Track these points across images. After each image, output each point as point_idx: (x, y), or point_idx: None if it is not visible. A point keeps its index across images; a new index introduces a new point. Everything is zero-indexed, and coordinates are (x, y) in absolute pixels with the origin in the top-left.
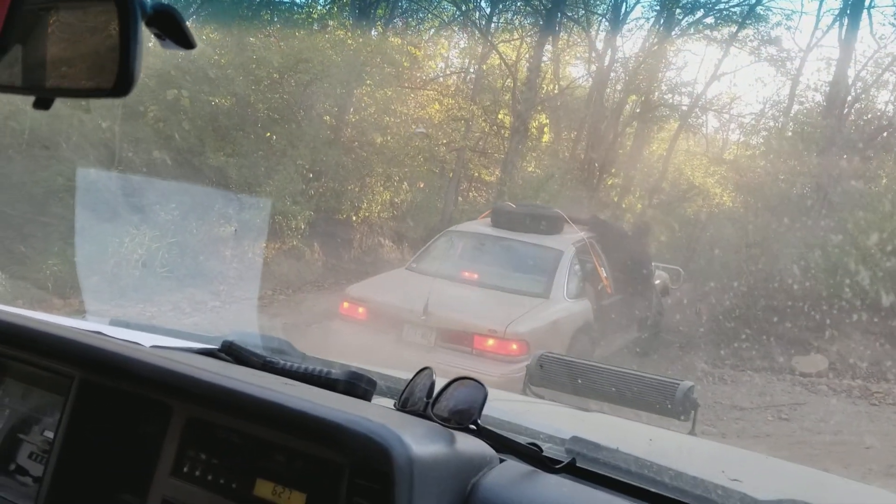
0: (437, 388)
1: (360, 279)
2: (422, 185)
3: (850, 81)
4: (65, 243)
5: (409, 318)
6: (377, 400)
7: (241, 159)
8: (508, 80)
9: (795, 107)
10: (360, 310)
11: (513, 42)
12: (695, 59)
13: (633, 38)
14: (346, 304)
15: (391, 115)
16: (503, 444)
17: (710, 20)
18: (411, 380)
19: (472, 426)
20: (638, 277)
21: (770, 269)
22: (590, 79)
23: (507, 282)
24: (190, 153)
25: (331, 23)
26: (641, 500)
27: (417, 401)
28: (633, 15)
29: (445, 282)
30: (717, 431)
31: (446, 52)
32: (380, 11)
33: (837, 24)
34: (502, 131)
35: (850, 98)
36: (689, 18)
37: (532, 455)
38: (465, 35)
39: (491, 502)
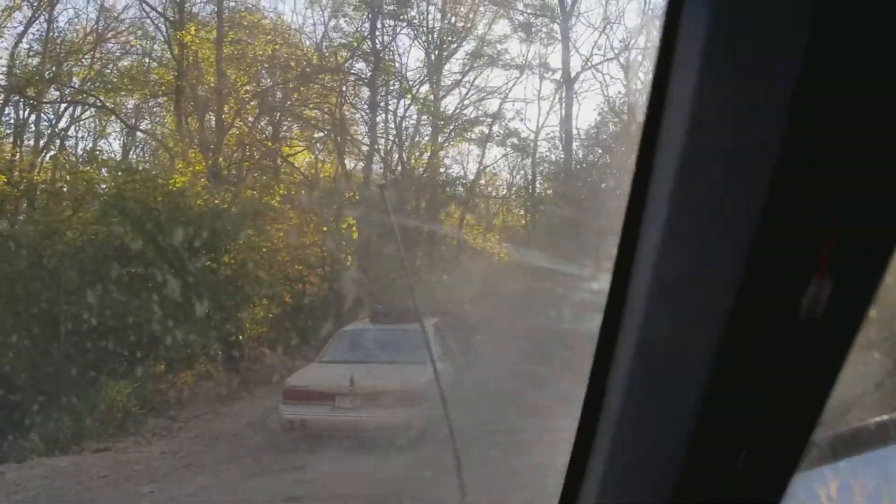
0: None
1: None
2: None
3: None
4: None
5: (339, 391)
6: None
7: None
8: None
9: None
10: (299, 392)
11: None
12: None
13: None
14: (287, 391)
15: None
16: None
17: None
18: None
19: None
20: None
21: None
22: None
23: (394, 355)
24: None
25: None
26: None
27: None
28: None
29: (353, 364)
30: None
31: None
32: None
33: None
34: None
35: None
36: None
37: None
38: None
39: None
